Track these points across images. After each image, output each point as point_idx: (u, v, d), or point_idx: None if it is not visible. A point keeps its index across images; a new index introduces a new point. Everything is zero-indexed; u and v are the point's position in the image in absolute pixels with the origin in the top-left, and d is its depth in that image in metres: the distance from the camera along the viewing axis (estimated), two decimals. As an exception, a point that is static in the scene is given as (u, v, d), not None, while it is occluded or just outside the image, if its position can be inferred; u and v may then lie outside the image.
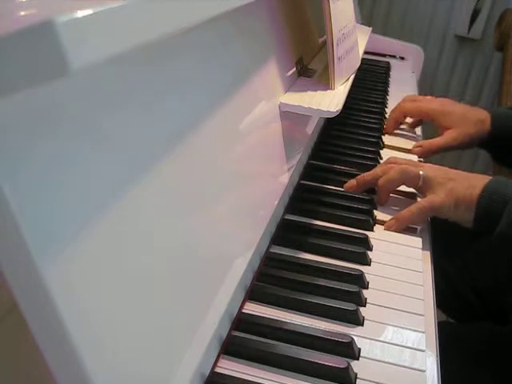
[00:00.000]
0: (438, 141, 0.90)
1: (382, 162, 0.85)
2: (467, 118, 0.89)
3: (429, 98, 0.99)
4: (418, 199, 0.72)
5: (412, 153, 0.90)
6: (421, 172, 0.68)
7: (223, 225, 0.46)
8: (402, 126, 1.01)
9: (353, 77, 0.75)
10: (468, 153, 1.92)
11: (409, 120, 1.02)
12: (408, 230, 0.67)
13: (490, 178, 0.66)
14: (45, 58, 0.20)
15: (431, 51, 1.88)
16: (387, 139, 0.96)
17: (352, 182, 0.74)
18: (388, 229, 0.67)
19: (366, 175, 0.73)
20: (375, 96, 1.17)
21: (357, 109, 1.06)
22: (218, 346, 0.44)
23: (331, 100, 0.64)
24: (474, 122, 0.88)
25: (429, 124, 0.97)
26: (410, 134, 1.00)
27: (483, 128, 0.88)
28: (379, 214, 0.70)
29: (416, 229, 0.67)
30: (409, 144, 0.94)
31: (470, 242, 0.87)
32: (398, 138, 0.98)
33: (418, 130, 1.03)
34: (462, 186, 0.66)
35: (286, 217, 0.65)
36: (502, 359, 0.67)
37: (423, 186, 0.68)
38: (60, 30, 0.20)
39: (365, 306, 0.52)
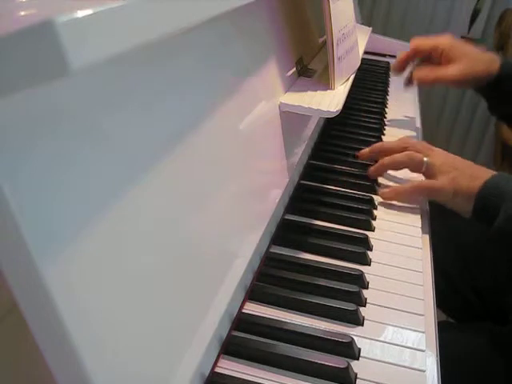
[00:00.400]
0: (440, 70, 0.88)
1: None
2: (477, 54, 0.87)
3: (436, 36, 0.97)
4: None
5: (414, 78, 0.91)
6: (425, 159, 0.70)
7: (223, 225, 0.46)
8: (401, 119, 1.01)
9: (353, 77, 0.75)
10: (469, 148, 1.92)
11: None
12: (408, 229, 0.67)
13: (494, 172, 0.67)
14: (45, 58, 0.20)
15: (431, 51, 1.88)
16: (387, 138, 0.96)
17: (365, 150, 0.79)
18: (384, 197, 0.72)
19: (384, 146, 0.77)
20: (375, 96, 1.17)
21: (357, 109, 1.06)
22: (218, 346, 0.44)
23: (331, 100, 0.64)
24: (483, 60, 0.87)
25: (428, 116, 0.96)
26: (410, 129, 1.00)
27: (491, 69, 0.86)
28: (379, 214, 0.70)
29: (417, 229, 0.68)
30: (410, 127, 0.94)
31: (470, 241, 0.87)
32: (398, 131, 0.98)
33: (418, 123, 1.03)
34: (464, 176, 0.67)
35: (286, 217, 0.65)
36: (502, 359, 0.67)
37: (426, 172, 0.71)
38: (60, 30, 0.20)
39: (365, 306, 0.52)
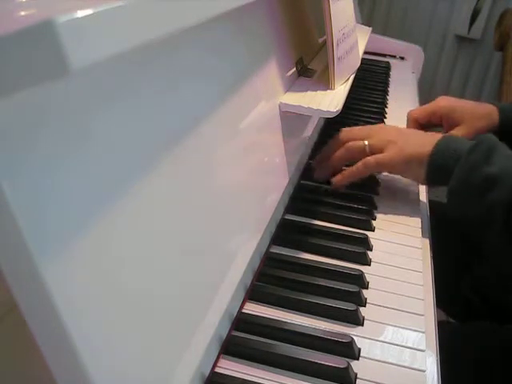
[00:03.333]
0: None
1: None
2: (475, 112, 0.88)
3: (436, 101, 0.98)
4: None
5: None
6: (366, 142, 0.70)
7: (223, 225, 0.46)
8: (401, 119, 1.01)
9: (353, 77, 0.75)
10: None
11: None
12: (408, 229, 0.67)
13: (442, 135, 0.68)
14: (45, 58, 0.20)
15: (431, 51, 1.88)
16: (388, 121, 0.95)
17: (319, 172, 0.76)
18: (335, 183, 0.71)
19: (323, 151, 0.75)
20: (375, 96, 1.17)
21: (357, 109, 1.06)
22: (218, 346, 0.44)
23: (331, 100, 0.64)
24: (483, 116, 0.87)
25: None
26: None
27: (492, 122, 0.87)
28: (379, 214, 0.70)
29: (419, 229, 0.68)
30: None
31: (470, 240, 0.87)
32: (399, 119, 0.98)
33: None
34: (412, 143, 0.68)
35: (286, 217, 0.65)
36: (503, 359, 0.67)
37: (373, 153, 0.70)
38: (60, 30, 0.20)
39: (365, 306, 0.52)
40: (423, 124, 0.94)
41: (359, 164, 0.70)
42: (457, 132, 0.87)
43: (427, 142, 0.67)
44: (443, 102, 0.92)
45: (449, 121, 0.89)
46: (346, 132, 0.75)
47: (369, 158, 0.70)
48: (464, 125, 0.87)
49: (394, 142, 0.69)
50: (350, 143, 0.72)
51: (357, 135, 0.73)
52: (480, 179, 0.60)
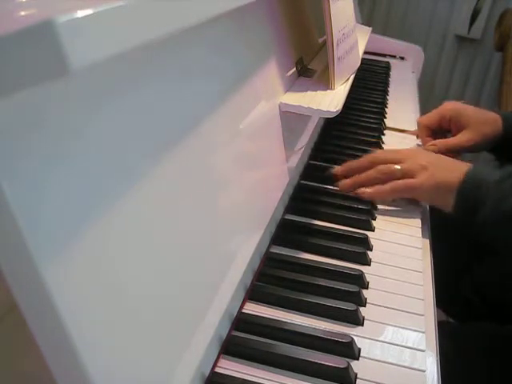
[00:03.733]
0: (452, 140, 0.89)
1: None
2: (482, 117, 0.88)
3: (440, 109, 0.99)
4: None
5: (415, 134, 0.92)
6: (397, 167, 0.70)
7: (223, 225, 0.46)
8: (401, 119, 1.01)
9: (353, 77, 0.75)
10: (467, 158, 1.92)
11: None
12: (408, 229, 0.67)
13: (471, 164, 0.67)
14: (45, 57, 0.20)
15: (431, 51, 1.88)
16: (387, 137, 0.96)
17: (338, 169, 0.77)
18: (363, 196, 0.71)
19: (353, 163, 0.75)
20: (375, 96, 1.17)
21: (357, 109, 1.06)
22: (218, 346, 0.44)
23: (331, 100, 0.64)
24: (489, 121, 0.88)
25: (426, 99, 0.96)
26: (409, 129, 1.00)
27: (497, 128, 0.87)
28: (379, 214, 0.70)
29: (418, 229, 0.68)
30: (410, 125, 0.94)
31: (471, 240, 0.87)
32: (399, 119, 0.98)
33: (417, 111, 1.03)
34: (441, 169, 0.67)
35: (286, 217, 0.65)
36: (503, 360, 0.67)
37: (404, 177, 0.69)
38: (60, 30, 0.20)
39: (365, 306, 0.52)
40: (434, 130, 0.94)
41: (388, 186, 0.69)
42: (463, 135, 0.88)
43: (457, 169, 0.66)
44: (450, 106, 0.92)
45: (457, 124, 0.90)
46: (379, 153, 0.75)
47: (399, 181, 0.69)
48: (470, 129, 0.88)
49: (425, 167, 0.68)
50: (383, 166, 0.71)
51: (390, 159, 0.72)
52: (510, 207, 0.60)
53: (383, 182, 0.71)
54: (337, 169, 0.77)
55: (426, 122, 0.94)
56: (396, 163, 0.70)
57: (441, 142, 0.90)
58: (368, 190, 0.71)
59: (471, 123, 0.88)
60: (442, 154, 0.90)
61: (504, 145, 0.89)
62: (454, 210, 0.66)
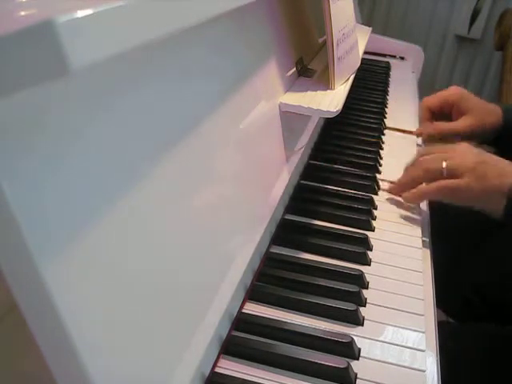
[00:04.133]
0: (450, 124, 0.89)
1: (383, 162, 0.86)
2: (485, 107, 0.88)
3: (442, 92, 0.99)
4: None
5: (415, 133, 0.91)
6: (444, 164, 0.65)
7: (223, 225, 0.46)
8: (401, 119, 1.01)
9: (353, 77, 0.75)
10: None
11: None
12: (408, 229, 0.67)
13: None
14: (45, 57, 0.20)
15: (431, 51, 1.88)
16: (387, 137, 0.96)
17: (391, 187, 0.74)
18: (406, 200, 0.69)
19: (403, 179, 0.72)
20: (375, 96, 1.17)
21: (357, 109, 1.06)
22: (218, 346, 0.44)
23: (331, 100, 0.64)
24: (492, 111, 0.88)
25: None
26: (410, 129, 1.00)
27: (498, 119, 0.87)
28: (379, 214, 0.70)
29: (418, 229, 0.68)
30: (410, 125, 0.95)
31: (471, 240, 0.87)
32: (399, 119, 0.98)
33: (416, 112, 1.03)
34: (492, 171, 0.62)
35: (286, 217, 0.65)
36: (503, 360, 0.67)
37: (450, 176, 0.65)
38: (60, 30, 0.20)
39: (365, 306, 0.52)
40: (436, 113, 0.94)
41: (433, 186, 0.66)
42: (462, 121, 0.87)
43: (509, 171, 0.62)
44: (455, 90, 0.92)
45: (459, 108, 0.89)
46: (426, 151, 0.72)
47: (444, 181, 0.65)
48: (472, 115, 0.87)
49: (474, 168, 0.63)
50: (427, 164, 0.68)
51: (437, 156, 0.68)
52: None
53: (429, 180, 0.68)
54: (390, 188, 0.74)
55: (429, 104, 0.93)
56: (443, 160, 0.66)
57: (438, 125, 0.90)
58: (408, 193, 0.68)
59: (472, 110, 0.87)
60: (439, 137, 0.90)
61: (504, 137, 0.88)
62: (503, 216, 0.62)
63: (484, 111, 0.88)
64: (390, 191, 0.73)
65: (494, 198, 0.62)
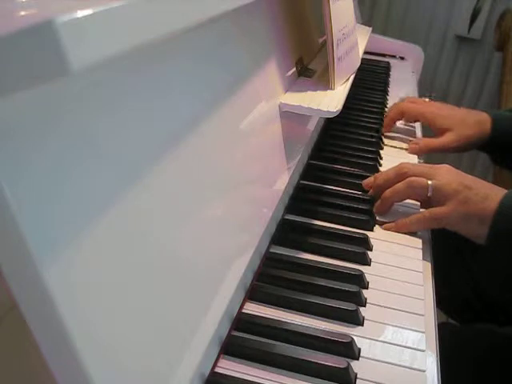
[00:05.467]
0: (435, 141, 0.89)
1: (383, 162, 0.85)
2: (466, 120, 0.88)
3: (428, 102, 0.99)
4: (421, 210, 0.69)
5: (408, 151, 0.91)
6: (429, 182, 0.64)
7: (223, 225, 0.46)
8: (402, 126, 1.01)
9: (353, 77, 0.75)
10: (467, 156, 1.92)
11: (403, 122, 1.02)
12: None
13: (504, 190, 0.61)
14: (45, 57, 0.20)
15: (431, 51, 1.88)
16: (387, 139, 0.96)
17: (369, 181, 0.73)
18: (386, 229, 0.67)
19: (379, 179, 0.71)
20: (375, 96, 1.17)
21: (357, 109, 1.06)
22: (218, 346, 0.44)
23: (331, 100, 0.64)
24: (473, 124, 0.88)
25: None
26: (410, 135, 1.00)
27: (482, 130, 0.87)
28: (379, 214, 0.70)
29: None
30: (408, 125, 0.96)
31: (471, 240, 0.87)
32: (397, 137, 0.98)
33: (418, 131, 1.03)
34: (475, 196, 0.60)
35: (286, 217, 0.65)
36: (503, 360, 0.67)
37: (434, 197, 0.64)
38: (60, 30, 0.20)
39: (365, 306, 0.52)
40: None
41: (412, 218, 0.64)
42: (446, 138, 0.87)
43: (490, 196, 0.60)
44: (435, 108, 0.92)
45: (438, 126, 0.90)
46: (408, 165, 0.68)
47: (425, 212, 0.64)
48: (454, 132, 0.87)
49: (458, 191, 0.61)
50: (413, 179, 0.65)
51: (420, 172, 0.66)
52: None
53: (413, 197, 0.67)
54: (366, 182, 0.73)
55: (405, 110, 0.95)
56: (427, 178, 0.65)
57: (424, 142, 0.90)
58: (392, 224, 0.66)
59: (454, 126, 0.87)
60: (425, 153, 0.90)
61: (493, 144, 0.88)
62: (487, 244, 0.60)
63: (466, 125, 0.88)
64: (378, 210, 0.69)
65: (477, 223, 0.60)
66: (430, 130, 0.94)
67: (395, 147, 0.93)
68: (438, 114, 0.90)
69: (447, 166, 0.67)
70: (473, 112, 0.91)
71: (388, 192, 0.67)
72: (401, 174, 0.67)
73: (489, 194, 0.60)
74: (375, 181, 0.71)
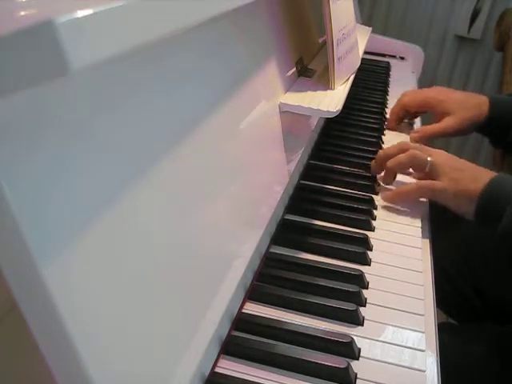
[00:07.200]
0: (435, 126, 0.91)
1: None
2: (465, 103, 0.90)
3: (427, 89, 1.00)
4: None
5: (410, 139, 0.92)
6: (429, 158, 0.70)
7: (223, 225, 0.46)
8: (402, 125, 1.01)
9: (353, 77, 0.75)
10: (470, 146, 1.92)
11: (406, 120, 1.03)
12: (408, 229, 0.67)
13: (496, 174, 0.67)
14: (45, 58, 0.20)
15: (431, 51, 1.88)
16: (387, 137, 0.96)
17: (373, 164, 0.79)
18: (385, 199, 0.72)
19: (381, 152, 0.77)
20: (375, 96, 1.17)
21: (357, 109, 1.06)
22: (218, 346, 0.44)
23: (331, 100, 0.64)
24: (472, 106, 0.90)
25: (428, 115, 0.98)
26: (409, 129, 1.00)
27: (480, 112, 0.89)
28: (379, 214, 0.70)
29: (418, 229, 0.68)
30: (408, 125, 0.97)
31: (471, 240, 0.87)
32: (398, 135, 0.98)
33: (418, 122, 1.03)
34: (466, 177, 0.67)
35: (286, 217, 0.65)
36: (503, 360, 0.67)
37: (430, 172, 0.70)
38: (60, 30, 0.20)
39: (365, 306, 0.52)
40: (411, 112, 0.97)
41: (413, 185, 0.71)
42: (446, 122, 0.90)
43: (480, 178, 0.66)
44: (434, 93, 0.94)
45: (438, 110, 0.92)
46: (408, 143, 0.77)
47: (424, 182, 0.70)
48: (453, 116, 0.89)
49: (449, 172, 0.68)
50: (415, 152, 0.72)
51: (420, 149, 0.73)
52: None
53: (411, 168, 0.74)
54: (372, 164, 0.79)
55: (406, 103, 0.96)
56: (427, 155, 0.71)
57: (424, 129, 0.92)
58: (389, 193, 0.72)
59: (454, 110, 0.89)
60: (426, 140, 0.92)
61: (491, 126, 0.90)
62: (475, 220, 0.66)
63: (465, 108, 0.90)
64: (383, 179, 0.76)
65: (465, 201, 0.66)
66: (429, 120, 0.94)
67: None
68: (437, 98, 0.92)
69: (441, 151, 0.74)
70: (473, 95, 0.93)
71: (392, 161, 0.74)
72: (404, 149, 0.74)
73: (477, 176, 0.67)
74: (382, 154, 0.77)
